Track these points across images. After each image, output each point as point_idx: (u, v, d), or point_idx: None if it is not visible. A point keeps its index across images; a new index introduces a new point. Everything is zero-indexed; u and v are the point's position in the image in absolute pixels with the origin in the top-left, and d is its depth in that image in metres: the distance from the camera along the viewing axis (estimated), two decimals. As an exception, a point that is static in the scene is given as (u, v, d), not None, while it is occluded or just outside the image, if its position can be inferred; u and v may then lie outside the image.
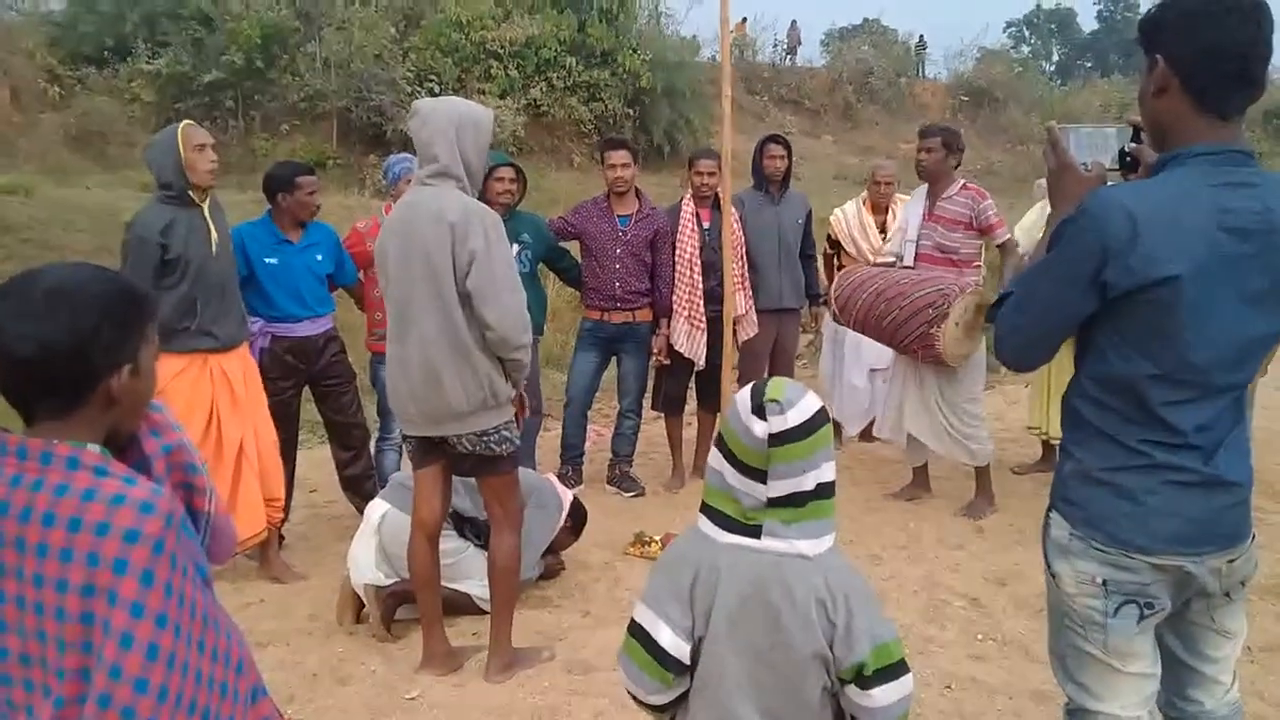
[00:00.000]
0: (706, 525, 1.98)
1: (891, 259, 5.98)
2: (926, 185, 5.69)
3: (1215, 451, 2.02)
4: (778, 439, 1.86)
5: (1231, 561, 2.08)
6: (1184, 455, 2.00)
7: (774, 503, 1.90)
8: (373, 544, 4.18)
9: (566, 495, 4.70)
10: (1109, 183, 2.12)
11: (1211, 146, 1.94)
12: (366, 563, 4.18)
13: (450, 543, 4.10)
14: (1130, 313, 1.96)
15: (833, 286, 5.89)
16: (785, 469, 1.87)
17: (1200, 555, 2.04)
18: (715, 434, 2.03)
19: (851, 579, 1.93)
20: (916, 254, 5.66)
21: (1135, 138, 2.12)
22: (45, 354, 1.54)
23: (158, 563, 1.52)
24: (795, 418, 1.87)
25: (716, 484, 1.97)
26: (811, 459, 1.88)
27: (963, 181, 5.63)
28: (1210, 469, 2.01)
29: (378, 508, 4.29)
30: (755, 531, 1.91)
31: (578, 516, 4.76)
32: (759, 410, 1.88)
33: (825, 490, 1.91)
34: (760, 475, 1.90)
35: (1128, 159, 2.14)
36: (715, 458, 1.98)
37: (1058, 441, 6.03)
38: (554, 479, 4.79)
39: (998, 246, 5.60)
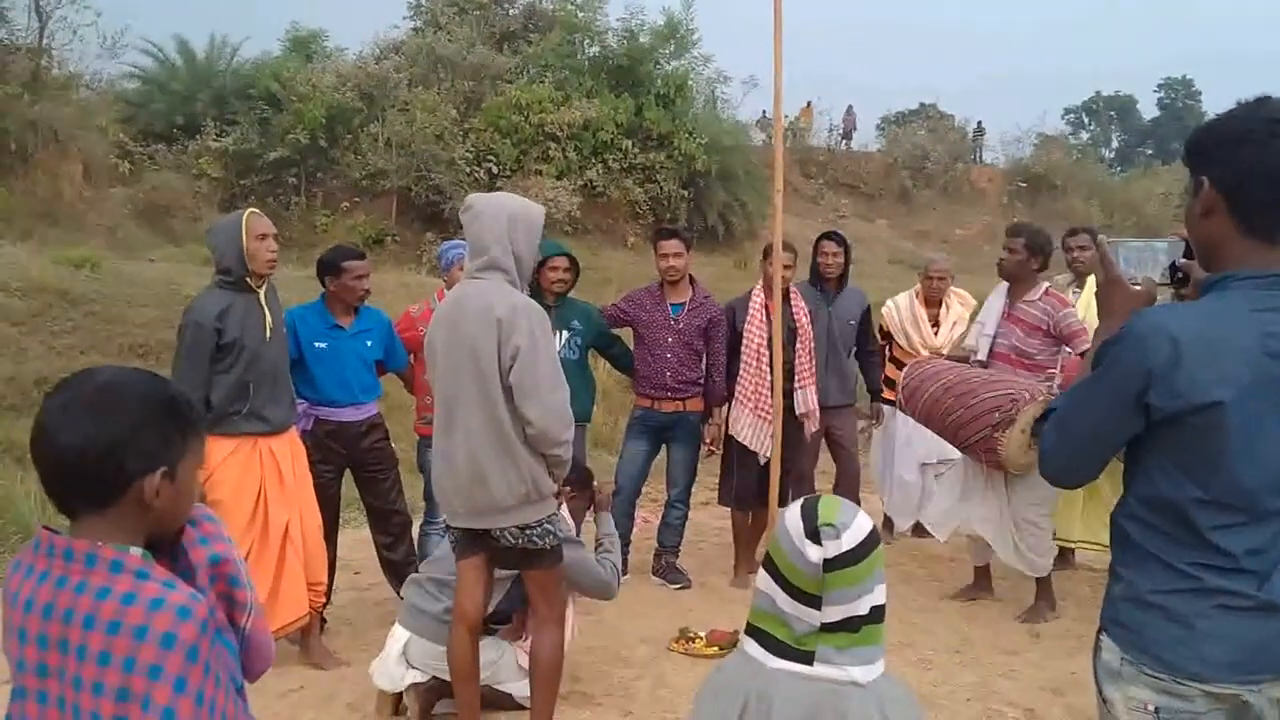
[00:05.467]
0: (754, 649, 1.92)
1: (966, 354, 5.84)
2: (1007, 284, 5.55)
3: (1270, 576, 1.94)
4: (833, 564, 1.82)
5: None
6: (1236, 579, 1.93)
7: (827, 628, 1.85)
8: (400, 670, 4.08)
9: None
10: (1158, 298, 2.07)
11: (1257, 271, 1.90)
12: (391, 676, 4.10)
13: (487, 653, 3.97)
14: (1175, 436, 1.91)
15: (903, 374, 5.73)
16: (841, 594, 1.83)
17: (1258, 684, 1.94)
18: (764, 554, 1.98)
19: (908, 710, 1.87)
20: (992, 352, 5.48)
21: (1186, 253, 2.08)
22: (82, 446, 1.55)
23: (191, 669, 1.52)
24: (850, 541, 1.82)
25: (766, 607, 1.91)
26: (867, 583, 1.83)
27: (1046, 285, 5.45)
28: (1265, 594, 1.93)
29: (399, 636, 4.10)
30: (808, 658, 1.86)
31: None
32: (813, 535, 1.84)
33: (877, 614, 1.86)
34: (814, 600, 1.84)
35: (1178, 274, 2.09)
36: (764, 580, 1.92)
37: (1071, 544, 5.81)
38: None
39: (1079, 355, 5.21)
